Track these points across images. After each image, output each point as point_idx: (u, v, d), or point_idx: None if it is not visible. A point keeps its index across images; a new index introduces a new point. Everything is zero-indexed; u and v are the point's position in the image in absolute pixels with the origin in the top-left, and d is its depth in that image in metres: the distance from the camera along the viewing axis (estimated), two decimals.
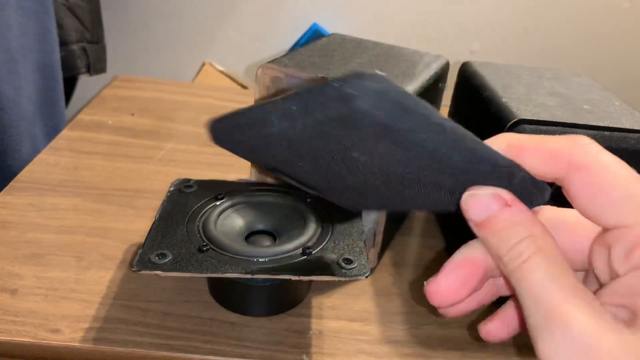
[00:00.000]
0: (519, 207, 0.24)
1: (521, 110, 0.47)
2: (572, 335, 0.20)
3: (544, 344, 0.21)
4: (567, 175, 0.24)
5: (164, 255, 0.43)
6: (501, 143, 0.26)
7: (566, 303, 0.21)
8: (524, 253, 0.22)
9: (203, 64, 1.64)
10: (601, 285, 0.25)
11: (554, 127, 0.46)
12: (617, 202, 0.23)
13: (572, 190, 0.24)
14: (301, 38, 1.64)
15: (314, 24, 1.63)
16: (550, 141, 0.25)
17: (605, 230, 0.24)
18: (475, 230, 0.24)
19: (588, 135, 0.46)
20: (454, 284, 0.26)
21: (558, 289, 0.21)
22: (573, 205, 0.25)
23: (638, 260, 0.22)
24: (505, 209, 0.24)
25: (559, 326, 0.20)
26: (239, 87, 1.57)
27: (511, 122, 0.46)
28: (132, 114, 0.85)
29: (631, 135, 0.46)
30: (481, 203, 0.24)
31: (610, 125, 0.47)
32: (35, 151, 0.75)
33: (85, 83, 1.20)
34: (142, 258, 0.42)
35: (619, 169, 0.24)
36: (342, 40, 0.63)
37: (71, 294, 0.49)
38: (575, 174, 0.24)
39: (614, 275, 0.23)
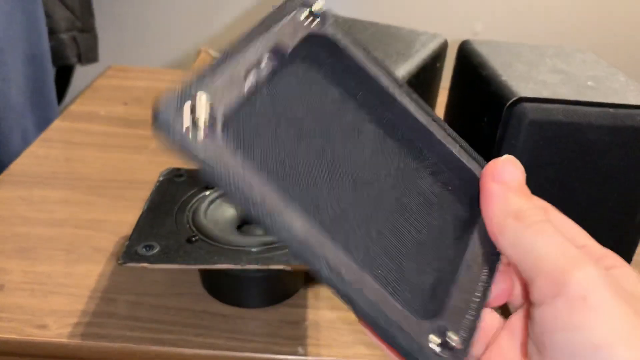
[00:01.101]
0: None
1: (521, 88, 0.45)
2: (601, 271, 0.21)
3: (574, 273, 0.21)
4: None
5: (151, 247, 0.41)
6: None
7: (586, 255, 0.22)
8: (541, 215, 0.24)
9: (199, 51, 1.62)
10: None
11: (556, 105, 0.44)
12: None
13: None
14: None
15: None
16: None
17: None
18: (494, 184, 0.25)
19: (592, 113, 0.44)
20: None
21: (570, 245, 0.23)
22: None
23: (610, 263, 0.25)
24: (525, 188, 0.26)
25: (586, 263, 0.21)
26: None
27: (511, 101, 0.44)
28: (125, 104, 0.83)
29: (637, 111, 0.44)
30: (517, 169, 0.26)
31: (616, 101, 0.45)
32: (26, 143, 0.73)
33: (79, 73, 1.18)
34: (129, 250, 0.41)
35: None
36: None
37: (59, 288, 0.47)
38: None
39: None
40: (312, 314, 0.47)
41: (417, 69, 0.50)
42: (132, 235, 0.43)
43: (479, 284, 0.25)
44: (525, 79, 0.47)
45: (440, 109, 0.63)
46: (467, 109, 0.56)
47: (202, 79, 0.20)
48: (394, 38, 0.56)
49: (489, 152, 0.46)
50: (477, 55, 0.54)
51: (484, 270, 0.25)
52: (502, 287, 0.26)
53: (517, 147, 0.44)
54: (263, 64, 0.23)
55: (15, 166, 0.65)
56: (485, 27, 1.55)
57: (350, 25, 0.59)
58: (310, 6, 0.25)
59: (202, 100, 0.19)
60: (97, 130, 0.75)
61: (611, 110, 0.44)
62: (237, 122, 0.22)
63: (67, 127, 0.75)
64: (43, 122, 0.83)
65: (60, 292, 0.47)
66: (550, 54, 0.56)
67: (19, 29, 0.77)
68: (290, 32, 0.24)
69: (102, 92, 0.86)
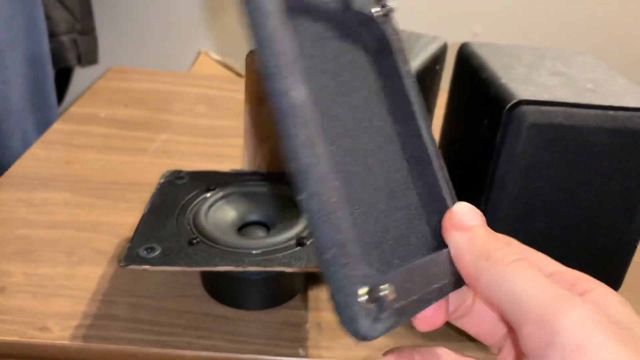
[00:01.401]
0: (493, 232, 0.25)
1: (521, 90, 0.45)
2: (594, 309, 0.20)
3: (563, 319, 0.20)
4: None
5: (152, 249, 0.41)
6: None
7: (571, 294, 0.21)
8: (515, 254, 0.23)
9: (199, 53, 1.62)
10: None
11: (555, 108, 0.44)
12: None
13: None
14: None
15: None
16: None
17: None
18: (457, 233, 0.24)
19: (591, 115, 0.44)
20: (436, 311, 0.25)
21: (551, 284, 0.22)
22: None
23: (585, 287, 0.23)
24: (487, 228, 0.25)
25: (574, 303, 0.20)
26: (235, 75, 1.55)
27: (511, 104, 0.44)
28: (126, 106, 0.83)
29: (636, 114, 0.44)
30: (475, 212, 0.25)
31: (615, 104, 0.45)
32: (26, 145, 0.73)
33: (79, 75, 1.18)
34: (130, 252, 0.41)
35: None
36: None
37: (61, 290, 0.47)
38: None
39: None
40: (313, 316, 0.47)
41: (417, 71, 0.50)
42: (133, 237, 0.43)
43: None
44: (525, 81, 0.48)
45: (439, 111, 0.64)
46: (466, 111, 0.56)
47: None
48: None
49: (488, 155, 0.46)
50: (476, 58, 0.54)
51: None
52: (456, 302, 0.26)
53: (516, 150, 0.44)
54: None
55: (16, 168, 0.65)
56: (484, 28, 1.55)
57: None
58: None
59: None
60: (98, 132, 0.75)
61: (611, 112, 0.44)
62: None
63: (67, 129, 0.75)
64: (43, 124, 0.83)
65: (62, 295, 0.47)
66: (550, 56, 0.56)
67: (19, 31, 0.77)
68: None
69: (102, 94, 0.86)
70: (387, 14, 0.27)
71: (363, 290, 0.19)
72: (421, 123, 0.27)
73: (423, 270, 0.23)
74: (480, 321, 0.27)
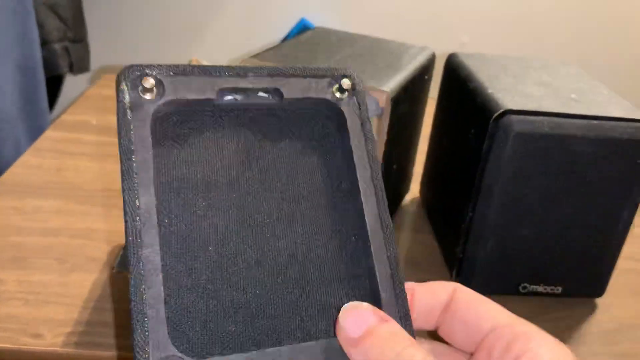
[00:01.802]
0: (394, 322, 0.24)
1: (507, 100, 0.46)
2: None
3: None
4: (449, 300, 0.27)
5: None
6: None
7: None
8: (415, 356, 0.22)
9: (190, 61, 1.63)
10: None
11: (541, 118, 0.45)
12: (493, 310, 0.26)
13: (453, 310, 0.27)
14: (289, 33, 1.63)
15: (302, 19, 1.62)
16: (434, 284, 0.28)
17: (476, 350, 0.26)
18: (350, 347, 0.23)
19: (576, 125, 0.45)
20: None
21: None
22: (449, 332, 0.27)
23: (519, 348, 0.23)
24: (384, 323, 0.23)
25: None
26: None
27: (497, 113, 0.45)
28: None
29: (620, 124, 0.46)
30: (362, 315, 0.24)
31: (598, 114, 0.46)
32: (18, 153, 0.73)
33: (71, 82, 1.18)
34: (124, 259, 0.41)
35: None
36: (327, 34, 0.62)
37: (54, 297, 0.48)
38: (457, 294, 0.27)
39: None
40: None
41: (406, 81, 0.51)
42: (126, 244, 0.43)
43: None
44: (511, 91, 0.49)
45: (428, 120, 0.65)
46: (454, 120, 0.57)
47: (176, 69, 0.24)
48: (383, 51, 0.57)
49: (475, 163, 0.47)
50: (464, 68, 0.56)
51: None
52: None
53: (503, 159, 0.45)
54: (258, 94, 0.26)
55: (8, 176, 0.65)
56: (471, 38, 1.57)
57: (339, 39, 0.61)
58: (341, 81, 0.27)
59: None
60: (89, 139, 0.75)
61: (594, 122, 0.46)
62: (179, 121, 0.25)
63: (59, 136, 0.75)
64: (35, 132, 0.83)
65: (55, 302, 0.47)
66: (536, 66, 0.57)
67: (12, 39, 0.77)
68: (305, 87, 0.27)
69: (94, 102, 0.87)
70: (344, 93, 0.28)
71: None
72: (365, 199, 0.26)
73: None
74: (452, 330, 0.27)
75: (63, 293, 0.48)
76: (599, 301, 0.53)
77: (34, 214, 0.59)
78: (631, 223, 0.48)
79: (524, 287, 0.51)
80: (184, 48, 1.64)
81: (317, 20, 1.58)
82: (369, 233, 0.26)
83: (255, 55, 0.52)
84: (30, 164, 0.68)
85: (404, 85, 0.50)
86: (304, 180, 0.27)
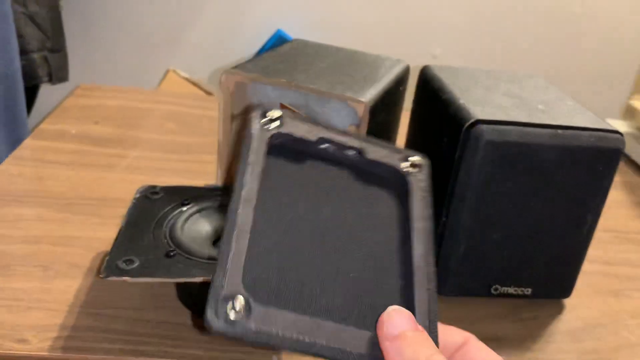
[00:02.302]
0: (426, 333, 0.27)
1: (478, 111, 0.49)
2: None
3: None
4: (462, 345, 0.30)
5: (131, 262, 0.43)
6: None
7: None
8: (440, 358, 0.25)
9: (167, 71, 1.63)
10: None
11: (510, 127, 0.47)
12: None
13: (462, 356, 0.30)
14: (265, 44, 1.65)
15: (278, 30, 1.64)
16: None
17: None
18: (388, 344, 0.26)
19: (542, 134, 0.48)
20: None
21: None
22: None
23: None
24: (418, 330, 0.27)
25: None
26: (203, 93, 1.57)
27: (469, 123, 0.47)
28: (96, 123, 0.84)
29: (583, 133, 0.48)
30: (403, 318, 0.27)
31: (564, 124, 0.49)
32: None
33: (48, 92, 1.18)
34: (110, 264, 0.42)
35: None
36: (305, 46, 0.64)
37: (37, 303, 0.48)
38: (470, 344, 0.30)
39: None
40: None
41: (383, 92, 0.53)
42: (112, 250, 0.44)
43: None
44: (482, 102, 0.51)
45: (402, 130, 0.67)
46: (428, 130, 0.59)
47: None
48: (360, 63, 0.60)
49: (448, 170, 0.49)
50: (437, 80, 0.58)
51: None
52: None
53: (474, 166, 0.47)
54: (345, 151, 0.35)
55: None
56: (443, 51, 1.61)
57: (317, 51, 0.63)
58: (413, 157, 0.35)
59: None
60: (69, 148, 0.76)
61: (560, 131, 0.48)
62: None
63: (38, 145, 0.76)
64: (14, 141, 0.83)
65: (39, 307, 0.48)
66: (505, 79, 0.60)
67: None
68: (383, 155, 0.35)
69: (72, 111, 0.87)
70: (414, 167, 0.35)
71: (222, 294, 0.25)
72: (417, 247, 0.32)
73: (316, 324, 0.26)
74: None
75: (47, 299, 0.49)
76: (566, 302, 0.56)
77: (15, 222, 0.59)
78: (595, 227, 0.51)
79: (496, 289, 0.53)
80: (161, 59, 1.65)
81: (293, 31, 1.61)
82: (414, 269, 0.30)
83: (236, 67, 0.53)
84: (9, 172, 0.68)
85: (380, 96, 0.52)
86: (370, 224, 0.33)
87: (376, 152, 0.35)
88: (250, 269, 0.27)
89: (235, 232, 0.27)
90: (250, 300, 0.25)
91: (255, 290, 0.26)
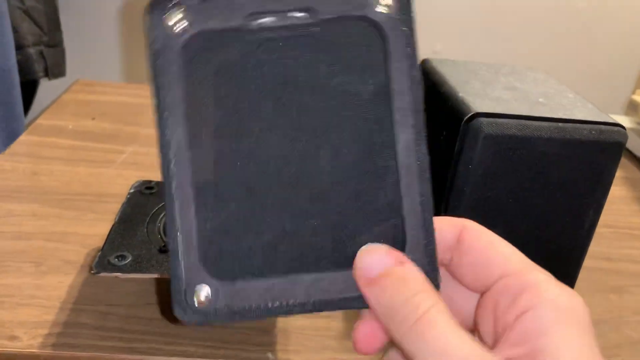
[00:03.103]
0: (411, 265, 0.24)
1: (477, 104, 0.48)
2: None
3: None
4: (457, 239, 0.26)
5: (123, 257, 0.42)
6: None
7: (475, 357, 0.21)
8: (421, 305, 0.22)
9: None
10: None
11: (509, 120, 0.46)
12: (503, 254, 0.25)
13: (461, 251, 0.25)
14: None
15: None
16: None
17: (486, 291, 0.25)
18: (365, 289, 0.23)
19: (543, 127, 0.47)
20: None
21: (463, 342, 0.21)
22: (458, 273, 0.26)
23: (525, 303, 0.22)
24: (399, 266, 0.23)
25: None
26: None
27: (467, 116, 0.46)
28: (93, 118, 0.83)
29: (584, 126, 0.47)
30: (377, 257, 0.23)
31: (564, 116, 0.48)
32: None
33: (46, 87, 1.17)
34: (102, 260, 0.42)
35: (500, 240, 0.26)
36: None
37: (29, 300, 0.48)
38: (465, 234, 0.26)
39: (503, 331, 0.23)
40: (281, 321, 0.48)
41: None
42: (104, 245, 0.43)
43: None
44: (481, 95, 0.50)
45: None
46: (427, 123, 0.58)
47: None
48: None
49: (448, 164, 0.48)
50: (436, 73, 0.57)
51: None
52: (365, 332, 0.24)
53: (473, 160, 0.46)
54: (289, 14, 0.24)
55: None
56: (444, 46, 1.60)
57: None
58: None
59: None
60: (65, 144, 0.75)
61: (560, 124, 0.47)
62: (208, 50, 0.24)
63: (34, 140, 0.75)
64: (10, 136, 0.82)
65: (30, 304, 0.47)
66: (504, 72, 0.59)
67: None
68: (342, 1, 0.24)
69: (69, 107, 0.86)
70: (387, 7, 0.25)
71: (183, 286, 0.23)
72: (400, 129, 0.25)
73: (302, 282, 0.24)
74: (461, 272, 0.26)
75: (39, 295, 0.48)
76: None
77: (8, 217, 0.58)
78: (596, 223, 0.50)
79: None
80: None
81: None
82: (400, 168, 0.25)
83: None
84: (4, 168, 0.68)
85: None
86: (340, 109, 0.25)
87: (329, 3, 0.24)
88: (205, 244, 0.24)
89: (176, 206, 0.23)
90: (215, 281, 0.23)
91: (217, 267, 0.24)
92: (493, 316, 0.24)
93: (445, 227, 0.26)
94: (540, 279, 0.23)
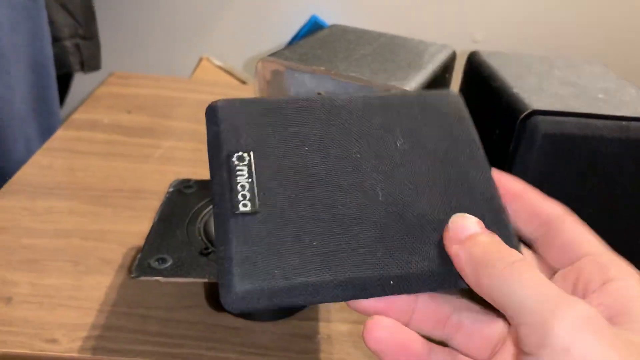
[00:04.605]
0: (496, 235, 0.25)
1: (534, 101, 0.45)
2: (589, 311, 0.21)
3: (555, 322, 0.20)
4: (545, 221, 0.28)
5: (164, 260, 0.41)
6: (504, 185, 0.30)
7: (566, 296, 0.21)
8: (513, 255, 0.23)
9: (200, 59, 1.62)
10: None
11: (569, 118, 0.44)
12: (590, 240, 0.28)
13: (551, 230, 0.28)
14: (300, 30, 1.62)
15: (313, 16, 1.61)
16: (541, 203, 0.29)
17: (569, 265, 0.26)
18: (457, 247, 0.25)
19: (604, 126, 0.44)
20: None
21: (553, 285, 0.22)
22: (542, 249, 0.28)
23: (613, 274, 0.24)
24: (487, 232, 0.25)
25: (569, 306, 0.21)
26: (237, 82, 1.55)
27: (524, 114, 0.44)
28: (129, 112, 0.82)
29: None
30: (470, 222, 0.25)
31: (628, 114, 0.45)
32: (29, 152, 0.72)
33: (80, 81, 1.17)
34: (141, 263, 0.40)
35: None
36: (344, 32, 0.61)
37: (68, 301, 0.47)
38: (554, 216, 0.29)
39: (584, 295, 0.24)
40: (323, 327, 0.46)
41: (429, 80, 0.50)
42: (143, 247, 0.42)
43: None
44: (537, 91, 0.47)
45: None
46: (477, 120, 0.55)
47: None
48: (403, 49, 0.56)
49: (501, 165, 0.46)
50: (486, 67, 0.54)
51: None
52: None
53: (530, 160, 0.44)
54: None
55: (19, 176, 0.64)
56: (485, 35, 1.55)
57: (357, 36, 0.59)
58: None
59: None
60: (101, 138, 0.74)
61: (623, 123, 0.44)
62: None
63: (70, 135, 0.74)
64: (46, 131, 0.82)
65: (70, 305, 0.46)
66: (560, 65, 0.56)
67: (23, 36, 0.76)
68: None
69: (105, 100, 0.86)
70: None
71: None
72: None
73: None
74: (468, 340, 0.27)
75: (78, 296, 0.47)
76: None
77: (46, 214, 0.58)
78: None
79: None
80: (194, 47, 1.63)
81: (328, 17, 1.57)
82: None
83: (273, 54, 0.51)
84: (41, 164, 0.67)
85: (425, 84, 0.49)
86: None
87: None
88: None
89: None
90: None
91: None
92: (572, 286, 0.25)
93: (544, 206, 0.29)
94: (625, 262, 0.25)
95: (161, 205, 0.48)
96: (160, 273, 0.40)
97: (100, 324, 0.45)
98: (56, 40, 0.93)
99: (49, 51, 0.83)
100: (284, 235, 0.23)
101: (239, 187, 0.24)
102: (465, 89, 0.60)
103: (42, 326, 0.44)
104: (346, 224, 0.24)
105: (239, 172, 0.25)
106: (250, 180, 0.24)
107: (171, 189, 0.50)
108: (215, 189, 0.25)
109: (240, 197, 0.24)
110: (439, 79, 0.53)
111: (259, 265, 0.23)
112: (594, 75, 0.54)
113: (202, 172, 0.66)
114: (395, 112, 0.28)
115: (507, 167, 0.45)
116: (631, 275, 0.24)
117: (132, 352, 0.42)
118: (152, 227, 0.45)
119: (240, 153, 0.25)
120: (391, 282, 0.24)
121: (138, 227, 0.57)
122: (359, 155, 0.26)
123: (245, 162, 0.25)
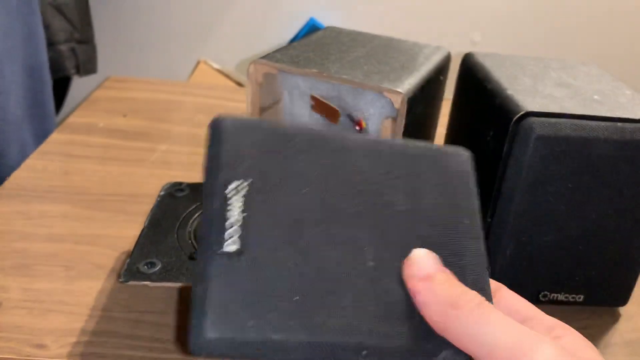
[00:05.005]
0: (452, 274, 0.26)
1: (528, 102, 0.45)
2: (562, 349, 0.22)
3: (531, 358, 0.21)
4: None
5: (153, 265, 0.41)
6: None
7: (534, 335, 0.22)
8: (477, 296, 0.24)
9: (198, 62, 1.62)
10: None
11: (563, 120, 0.43)
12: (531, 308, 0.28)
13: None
14: (298, 33, 1.62)
15: (311, 19, 1.61)
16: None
17: None
18: (420, 283, 0.25)
19: (599, 127, 0.43)
20: None
21: (519, 325, 0.23)
22: None
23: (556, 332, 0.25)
24: (446, 272, 0.25)
25: (542, 343, 0.22)
26: (235, 85, 1.55)
27: (518, 115, 0.43)
28: (125, 116, 0.82)
29: None
30: (432, 258, 0.25)
31: (623, 116, 0.44)
32: (24, 156, 0.72)
33: (77, 84, 1.17)
34: (130, 268, 0.40)
35: None
36: (338, 34, 0.60)
37: (58, 306, 0.46)
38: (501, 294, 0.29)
39: None
40: None
41: (422, 82, 0.49)
42: (133, 252, 0.42)
43: None
44: (531, 92, 0.47)
45: (443, 121, 0.63)
46: (471, 122, 0.55)
47: None
48: (397, 51, 0.56)
49: (495, 167, 0.45)
50: (481, 68, 0.54)
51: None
52: None
53: (524, 162, 0.43)
54: None
55: (13, 180, 0.64)
56: (483, 37, 1.55)
57: (351, 38, 0.59)
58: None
59: None
60: (96, 142, 0.74)
61: (619, 124, 0.44)
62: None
63: (65, 139, 0.74)
64: (41, 135, 0.82)
65: (60, 310, 0.46)
66: (555, 67, 0.55)
67: (18, 40, 0.76)
68: None
69: (101, 104, 0.85)
70: None
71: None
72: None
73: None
74: None
75: (68, 301, 0.47)
76: (622, 310, 0.51)
77: (40, 219, 0.57)
78: None
79: (545, 295, 0.49)
80: (192, 50, 1.63)
81: (326, 19, 1.57)
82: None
83: (265, 56, 0.50)
84: (35, 167, 0.67)
85: (419, 86, 0.48)
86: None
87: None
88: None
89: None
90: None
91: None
92: None
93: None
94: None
95: (152, 209, 0.48)
96: (148, 277, 0.39)
97: (90, 329, 0.44)
98: (52, 44, 0.93)
99: (43, 55, 0.83)
100: (266, 286, 0.22)
101: (227, 224, 0.23)
102: (460, 90, 0.59)
103: (32, 332, 0.44)
104: (330, 284, 0.24)
105: (232, 205, 0.23)
106: (242, 215, 0.23)
107: (163, 193, 0.50)
108: (205, 215, 0.23)
109: (227, 236, 0.23)
110: (433, 81, 0.53)
111: (234, 313, 0.22)
112: (590, 77, 0.53)
113: (198, 176, 0.65)
114: (403, 167, 0.28)
115: (501, 169, 0.45)
116: (574, 332, 0.25)
117: (123, 357, 0.42)
118: (142, 231, 0.45)
119: (238, 183, 0.24)
120: (364, 351, 0.23)
121: (132, 231, 0.56)
122: (357, 210, 0.26)
123: (241, 194, 0.24)
